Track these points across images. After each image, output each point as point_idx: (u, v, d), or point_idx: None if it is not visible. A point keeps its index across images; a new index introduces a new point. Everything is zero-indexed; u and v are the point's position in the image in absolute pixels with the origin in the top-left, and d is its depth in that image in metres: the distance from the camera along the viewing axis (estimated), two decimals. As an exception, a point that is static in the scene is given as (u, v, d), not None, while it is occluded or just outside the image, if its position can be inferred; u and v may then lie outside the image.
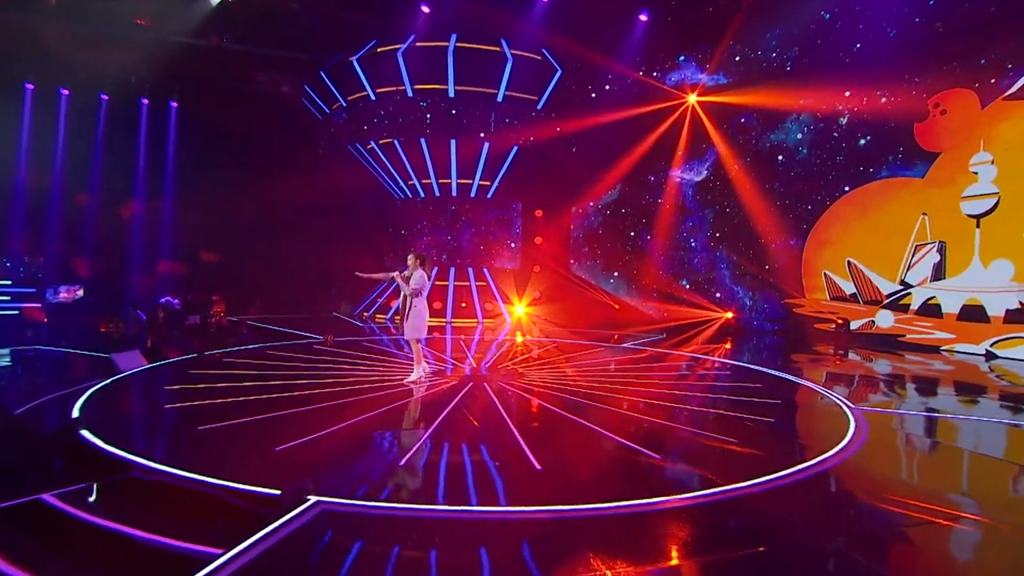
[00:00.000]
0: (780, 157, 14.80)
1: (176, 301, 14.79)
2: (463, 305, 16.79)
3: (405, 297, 7.51)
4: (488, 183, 17.15)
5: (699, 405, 6.99)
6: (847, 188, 13.72)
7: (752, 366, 9.82)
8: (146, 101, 17.38)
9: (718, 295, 16.31)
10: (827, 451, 5.23)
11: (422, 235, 17.37)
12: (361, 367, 8.86)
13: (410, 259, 7.56)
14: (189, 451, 5.04)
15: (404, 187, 17.31)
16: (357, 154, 17.28)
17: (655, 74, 16.31)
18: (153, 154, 17.38)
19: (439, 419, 6.14)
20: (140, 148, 17.35)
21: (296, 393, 7.00)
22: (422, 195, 17.18)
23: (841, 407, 6.98)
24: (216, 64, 15.76)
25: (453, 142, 16.00)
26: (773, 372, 9.32)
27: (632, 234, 17.89)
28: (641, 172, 17.26)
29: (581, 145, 17.11)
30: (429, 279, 7.66)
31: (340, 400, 6.75)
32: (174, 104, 17.66)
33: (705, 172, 16.41)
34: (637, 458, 5.06)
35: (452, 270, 17.04)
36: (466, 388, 7.56)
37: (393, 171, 17.01)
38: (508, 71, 15.48)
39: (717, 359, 10.56)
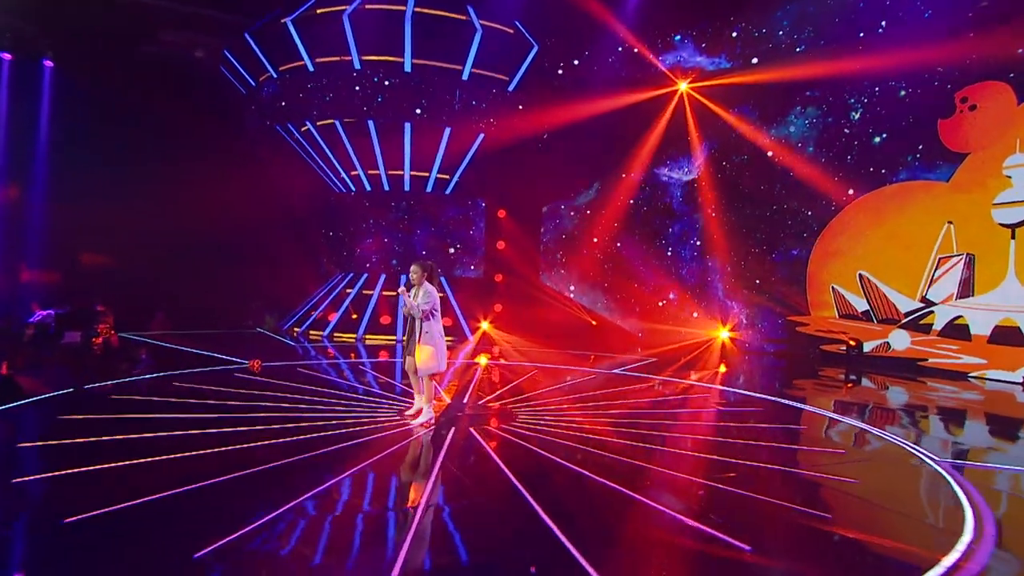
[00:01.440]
0: (780, 155, 14.38)
1: (50, 313, 12.76)
2: (417, 320, 15.42)
3: (413, 321, 6.54)
4: (447, 176, 16.27)
5: (751, 457, 6.00)
6: (855, 191, 13.42)
7: (788, 401, 9.12)
8: (8, 57, 15.04)
9: (709, 311, 15.86)
10: (964, 534, 4.25)
11: (367, 236, 16.28)
12: (301, 405, 7.46)
13: (414, 271, 6.56)
14: (48, 564, 3.43)
15: (347, 179, 16.15)
16: (289, 137, 15.98)
17: (644, 50, 15.62)
18: (18, 125, 15.19)
19: (427, 490, 4.81)
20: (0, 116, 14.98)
21: (218, 450, 5.44)
22: (368, 188, 16.09)
23: (922, 458, 6.16)
24: (107, 15, 13.95)
25: (408, 126, 14.90)
26: (810, 408, 8.70)
27: (602, 240, 17.25)
28: (623, 168, 16.77)
29: (556, 135, 16.42)
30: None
31: (280, 462, 5.26)
32: (48, 64, 15.45)
33: (695, 170, 15.94)
34: (722, 552, 3.91)
35: (403, 278, 15.90)
36: (448, 436, 6.27)
37: (333, 159, 15.82)
38: (476, 44, 14.49)
39: (733, 389, 9.84)
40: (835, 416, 8.23)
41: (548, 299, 17.66)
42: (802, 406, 8.77)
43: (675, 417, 7.96)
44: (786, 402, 8.94)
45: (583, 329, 16.91)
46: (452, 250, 16.51)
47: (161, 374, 9.16)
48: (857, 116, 13.39)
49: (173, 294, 15.06)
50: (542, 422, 7.04)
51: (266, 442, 5.82)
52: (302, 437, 6.08)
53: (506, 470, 5.33)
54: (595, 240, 17.19)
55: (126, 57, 14.99)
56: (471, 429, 6.62)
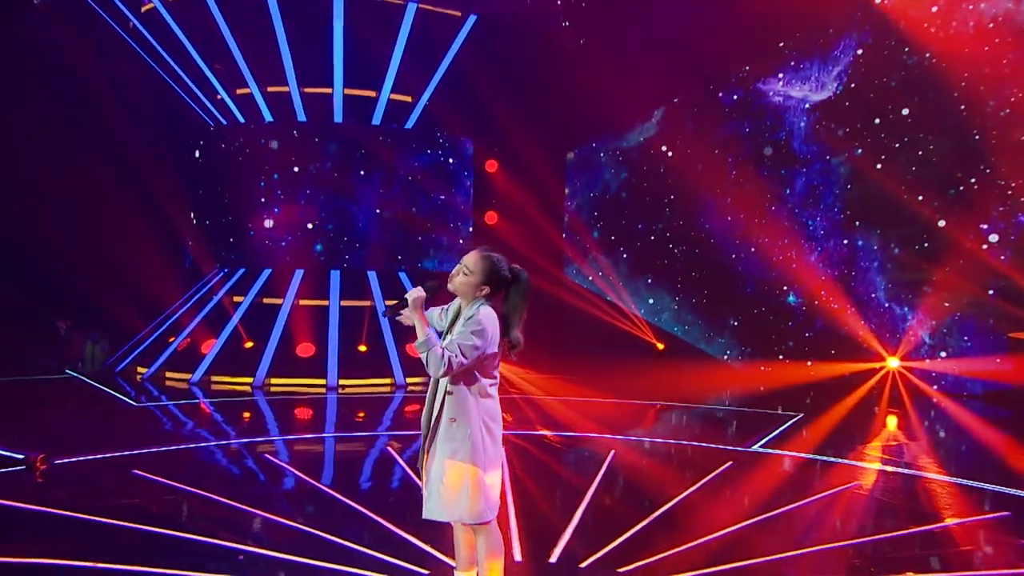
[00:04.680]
0: (986, 51, 12.90)
1: None
2: (362, 350, 13.79)
3: (436, 384, 4.08)
4: (408, 98, 14.57)
5: None
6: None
7: None
8: None
9: (862, 323, 14.60)
10: None
11: (269, 205, 14.27)
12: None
13: (469, 269, 4.00)
14: None
15: (228, 101, 14.25)
16: (120, 26, 14.13)
17: None
18: None
19: None
20: None
21: None
22: (268, 119, 14.21)
23: None
24: None
25: (339, 5, 13.10)
26: None
27: (669, 206, 16.44)
28: (705, 83, 16.04)
29: (593, 22, 15.06)
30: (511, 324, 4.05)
31: None
32: None
33: (834, 84, 14.72)
34: None
35: (335, 276, 14.12)
36: None
37: (204, 67, 13.93)
38: None
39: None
40: None
41: (578, 306, 16.89)
42: None
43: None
44: None
45: (647, 356, 16.08)
46: (457, 222, 15.70)
47: None
48: None
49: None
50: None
51: None
52: None
53: None
54: (675, 207, 16.50)
55: None
56: None
